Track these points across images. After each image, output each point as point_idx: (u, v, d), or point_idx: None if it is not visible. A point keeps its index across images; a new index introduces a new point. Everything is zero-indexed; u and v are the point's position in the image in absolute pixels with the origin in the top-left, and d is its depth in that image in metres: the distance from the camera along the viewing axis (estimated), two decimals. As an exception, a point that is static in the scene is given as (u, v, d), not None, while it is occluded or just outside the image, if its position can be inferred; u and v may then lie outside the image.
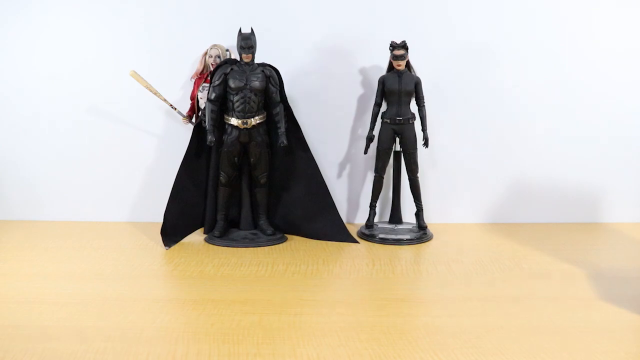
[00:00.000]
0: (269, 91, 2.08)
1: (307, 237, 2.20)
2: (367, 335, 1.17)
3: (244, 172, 2.20)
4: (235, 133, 2.07)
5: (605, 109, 2.30)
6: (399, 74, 2.15)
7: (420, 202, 2.26)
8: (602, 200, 2.33)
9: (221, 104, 2.08)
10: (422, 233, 2.21)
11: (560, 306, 1.37)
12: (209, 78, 2.15)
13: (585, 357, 1.11)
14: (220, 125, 2.10)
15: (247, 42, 2.01)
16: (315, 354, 1.09)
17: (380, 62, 2.32)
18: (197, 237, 2.12)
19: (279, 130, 2.09)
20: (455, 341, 1.16)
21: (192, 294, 1.43)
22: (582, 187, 2.32)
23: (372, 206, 2.29)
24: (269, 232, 2.16)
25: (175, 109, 2.22)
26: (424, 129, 2.19)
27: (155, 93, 2.19)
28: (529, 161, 2.33)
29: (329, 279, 1.66)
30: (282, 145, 2.07)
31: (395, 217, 2.33)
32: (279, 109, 2.10)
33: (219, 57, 2.16)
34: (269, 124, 2.14)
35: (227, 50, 2.20)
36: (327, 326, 1.21)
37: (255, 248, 2.06)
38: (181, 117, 2.25)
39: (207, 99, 2.07)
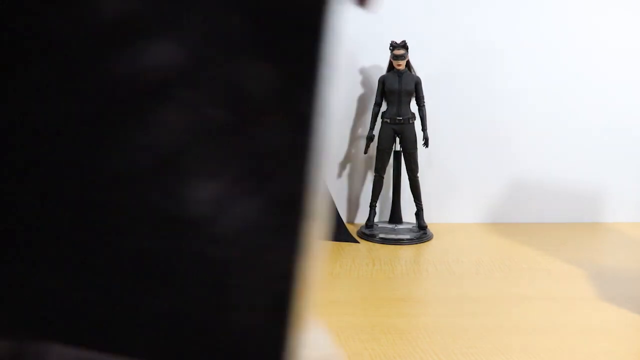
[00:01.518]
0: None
1: (307, 237, 2.20)
2: (367, 335, 1.17)
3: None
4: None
5: (606, 108, 2.30)
6: (399, 73, 2.15)
7: (421, 202, 2.26)
8: (602, 200, 2.33)
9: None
10: (422, 233, 2.21)
11: (560, 306, 1.37)
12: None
13: (585, 357, 1.11)
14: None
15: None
16: (315, 353, 1.09)
17: (380, 62, 2.32)
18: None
19: None
20: (455, 341, 1.16)
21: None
22: (582, 187, 2.32)
23: (372, 206, 2.29)
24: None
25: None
26: (424, 129, 2.19)
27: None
28: (529, 161, 2.33)
29: (329, 279, 1.66)
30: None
31: (395, 217, 2.33)
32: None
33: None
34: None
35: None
36: (327, 326, 1.21)
37: (255, 248, 2.05)
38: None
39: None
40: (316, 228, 0.32)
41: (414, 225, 2.35)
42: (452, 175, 2.42)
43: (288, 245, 0.34)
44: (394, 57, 2.14)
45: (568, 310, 1.34)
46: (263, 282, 0.35)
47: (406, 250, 2.04)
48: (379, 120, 2.26)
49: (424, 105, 2.22)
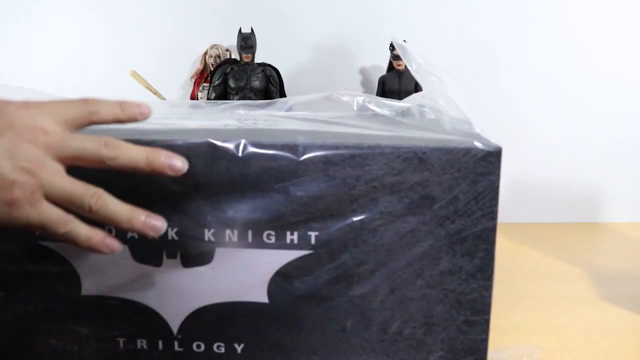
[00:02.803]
0: (269, 91, 2.08)
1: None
2: (367, 335, 1.17)
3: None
4: (235, 133, 2.07)
5: (606, 108, 2.30)
6: (399, 74, 2.15)
7: (420, 202, 2.26)
8: (602, 200, 2.33)
9: (221, 104, 2.08)
10: (422, 233, 2.21)
11: (560, 306, 1.36)
12: (209, 78, 2.15)
13: (585, 357, 1.11)
14: (220, 125, 2.10)
15: (247, 42, 2.01)
16: (315, 354, 1.09)
17: (381, 62, 2.32)
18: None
19: None
20: (455, 341, 1.16)
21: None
22: (582, 187, 2.32)
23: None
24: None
25: (175, 108, 2.22)
26: (424, 129, 2.20)
27: (155, 93, 2.19)
28: (528, 161, 2.33)
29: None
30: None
31: (395, 217, 2.33)
32: (279, 109, 2.10)
33: (219, 57, 2.16)
34: (269, 124, 2.14)
35: (227, 50, 2.20)
36: (327, 326, 1.20)
37: (255, 248, 2.05)
38: (181, 117, 2.25)
39: (207, 99, 2.07)
40: None
41: (414, 225, 2.38)
42: (452, 175, 2.41)
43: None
44: (394, 58, 2.14)
45: (568, 310, 1.34)
46: None
47: (406, 251, 2.03)
48: (378, 120, 2.25)
49: (423, 106, 2.22)
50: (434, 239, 0.78)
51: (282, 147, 0.72)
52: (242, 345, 0.81)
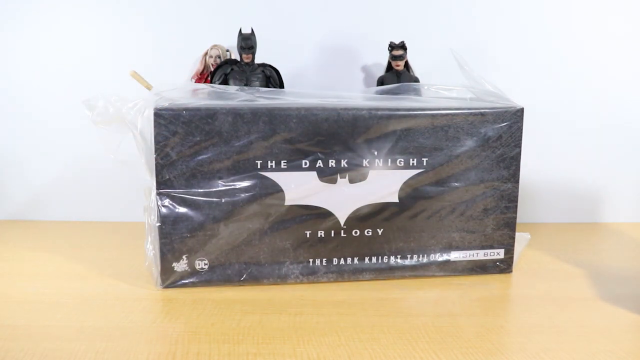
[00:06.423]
0: (269, 91, 2.09)
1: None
2: (367, 335, 1.17)
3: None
4: (235, 133, 2.07)
5: (606, 108, 2.30)
6: (398, 74, 2.15)
7: (420, 202, 2.26)
8: (602, 200, 2.33)
9: (221, 104, 2.08)
10: (422, 233, 2.22)
11: (560, 306, 1.37)
12: (209, 78, 2.15)
13: (585, 357, 1.11)
14: (220, 125, 2.11)
15: (247, 42, 2.01)
16: (315, 353, 1.09)
17: (383, 60, 2.32)
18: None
19: None
20: (455, 341, 1.16)
21: (192, 294, 1.43)
22: (582, 187, 2.32)
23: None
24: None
25: (175, 109, 2.22)
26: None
27: (156, 93, 2.19)
28: (528, 161, 2.33)
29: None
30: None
31: (396, 217, 2.34)
32: (279, 109, 2.10)
33: (219, 57, 2.16)
34: (269, 124, 2.15)
35: (228, 50, 2.20)
36: (327, 326, 1.20)
37: (255, 248, 2.06)
38: (181, 117, 2.25)
39: (207, 99, 2.07)
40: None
41: (414, 225, 2.39)
42: (452, 176, 2.41)
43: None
44: (393, 58, 2.14)
45: (568, 310, 1.34)
46: None
47: (406, 251, 2.03)
48: (378, 120, 2.25)
49: (423, 106, 2.21)
50: (489, 159, 1.37)
51: (403, 112, 1.30)
52: (381, 230, 1.34)
